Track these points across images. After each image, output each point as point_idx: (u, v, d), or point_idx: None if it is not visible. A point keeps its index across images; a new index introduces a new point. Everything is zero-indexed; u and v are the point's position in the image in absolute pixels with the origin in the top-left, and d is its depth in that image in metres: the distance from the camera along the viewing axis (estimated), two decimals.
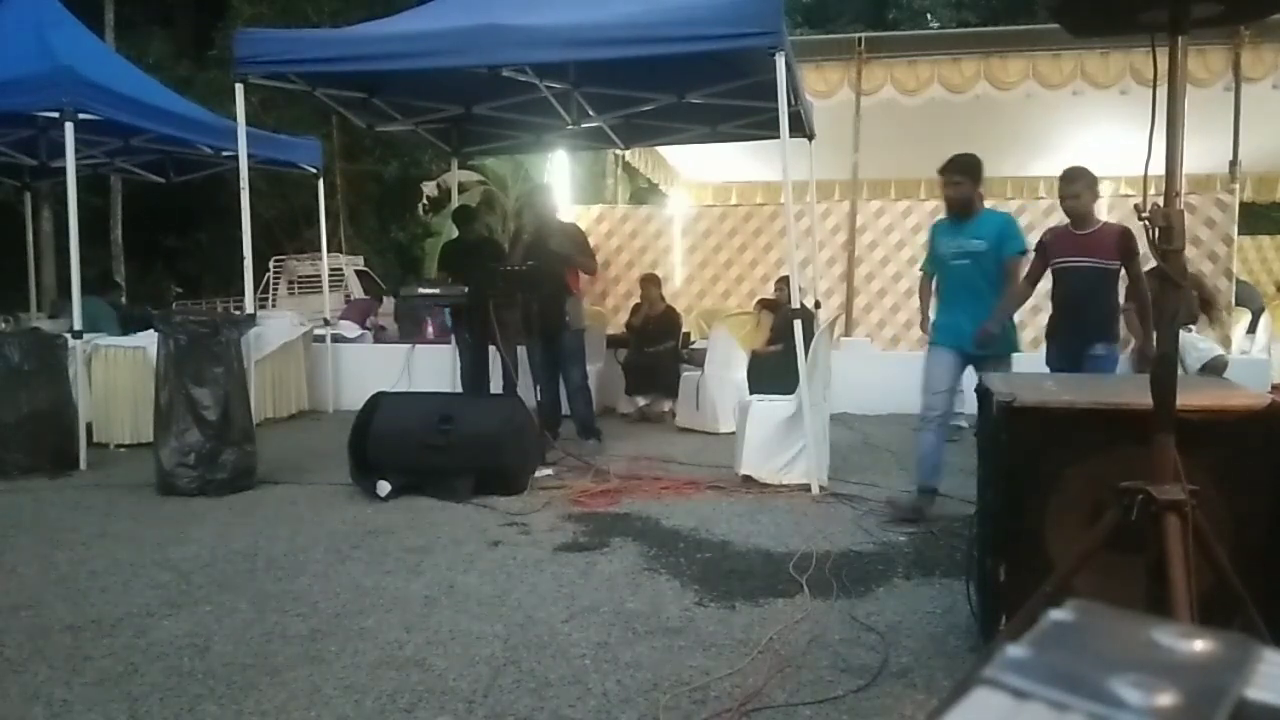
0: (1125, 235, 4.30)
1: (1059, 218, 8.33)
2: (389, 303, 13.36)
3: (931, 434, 4.37)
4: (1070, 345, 4.39)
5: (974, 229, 4.37)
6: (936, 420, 4.36)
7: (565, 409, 6.42)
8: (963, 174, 4.39)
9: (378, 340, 10.34)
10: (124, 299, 10.36)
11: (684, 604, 3.24)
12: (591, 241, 7.11)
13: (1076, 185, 4.39)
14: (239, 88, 6.05)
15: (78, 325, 5.84)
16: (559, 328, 6.14)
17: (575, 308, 6.32)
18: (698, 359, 7.54)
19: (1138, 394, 2.23)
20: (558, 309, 6.08)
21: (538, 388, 6.23)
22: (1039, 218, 8.28)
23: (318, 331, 8.53)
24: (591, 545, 3.96)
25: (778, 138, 5.27)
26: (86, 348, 6.21)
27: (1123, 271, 4.40)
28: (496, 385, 6.32)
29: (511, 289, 5.79)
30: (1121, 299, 4.62)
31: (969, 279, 4.37)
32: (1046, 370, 4.35)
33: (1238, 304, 8.58)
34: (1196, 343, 6.88)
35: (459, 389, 6.94)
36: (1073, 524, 2.39)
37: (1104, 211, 8.32)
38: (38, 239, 11.50)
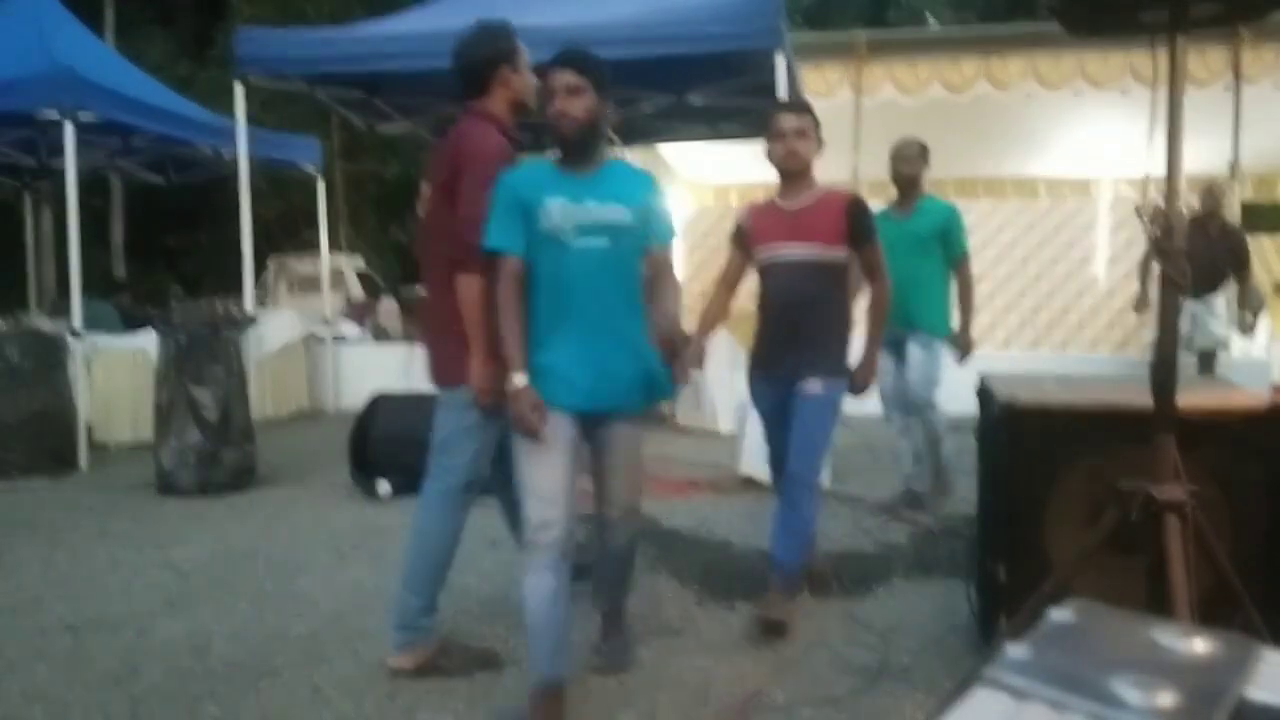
0: (854, 207, 3.05)
1: (1060, 218, 8.36)
2: (389, 303, 13.35)
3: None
4: (777, 379, 3.08)
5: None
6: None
7: None
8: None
9: (378, 340, 10.34)
10: (127, 299, 10.35)
11: (684, 604, 3.24)
12: None
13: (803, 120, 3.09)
14: (239, 87, 6.06)
15: (78, 325, 5.84)
16: None
17: None
18: None
19: (1138, 394, 2.22)
20: None
21: None
22: (1039, 217, 8.29)
23: (318, 331, 8.53)
24: (591, 545, 3.95)
25: None
26: (86, 348, 6.21)
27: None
28: None
29: None
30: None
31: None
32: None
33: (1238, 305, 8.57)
34: (1210, 324, 6.34)
35: None
36: (1073, 524, 2.39)
37: (1104, 211, 8.34)
38: (38, 239, 11.50)
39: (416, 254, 2.97)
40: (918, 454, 4.58)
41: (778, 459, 3.18)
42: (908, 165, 4.44)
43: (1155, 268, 6.31)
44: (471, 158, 2.54)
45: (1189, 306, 6.14)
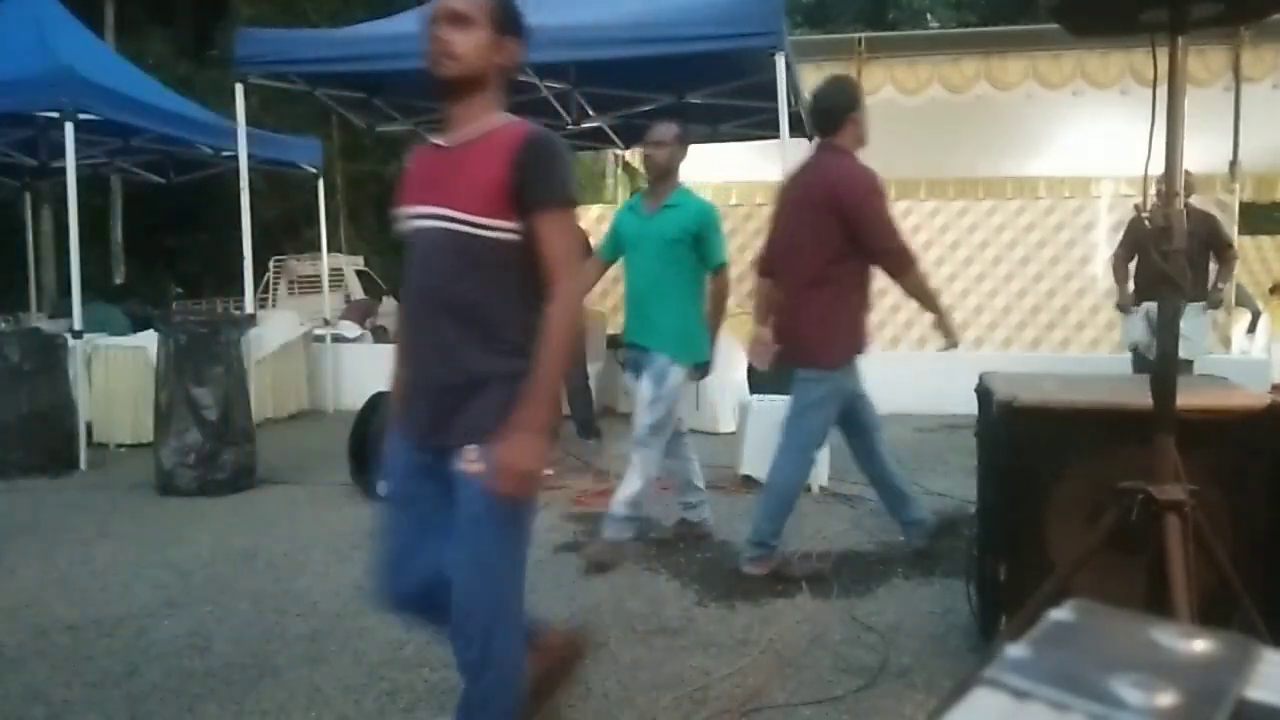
0: (529, 146, 1.82)
1: (1060, 218, 8.36)
2: (389, 303, 13.35)
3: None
4: (416, 400, 1.92)
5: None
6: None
7: (565, 409, 6.42)
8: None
9: (378, 340, 10.34)
10: (136, 305, 10.35)
11: (684, 604, 3.24)
12: (592, 242, 7.12)
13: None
14: (239, 88, 6.05)
15: (78, 325, 5.84)
16: None
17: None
18: None
19: (1138, 394, 2.22)
20: None
21: None
22: (1040, 217, 8.29)
23: (318, 331, 8.53)
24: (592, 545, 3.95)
25: (778, 138, 5.27)
26: (86, 348, 6.21)
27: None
28: None
29: None
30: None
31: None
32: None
33: (1237, 304, 8.58)
34: (1184, 330, 6.28)
35: None
36: (1073, 524, 2.39)
37: (1104, 212, 8.34)
38: (38, 239, 11.50)
39: (767, 268, 3.71)
40: (687, 482, 4.07)
41: (401, 587, 1.97)
42: (659, 150, 3.74)
43: (1131, 267, 6.02)
44: (867, 192, 3.41)
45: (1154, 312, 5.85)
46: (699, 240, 3.71)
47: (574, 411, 6.38)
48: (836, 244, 3.37)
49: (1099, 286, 7.89)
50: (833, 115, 3.52)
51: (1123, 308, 6.19)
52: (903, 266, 3.43)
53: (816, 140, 3.70)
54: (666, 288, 3.70)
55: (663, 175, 3.77)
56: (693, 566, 3.64)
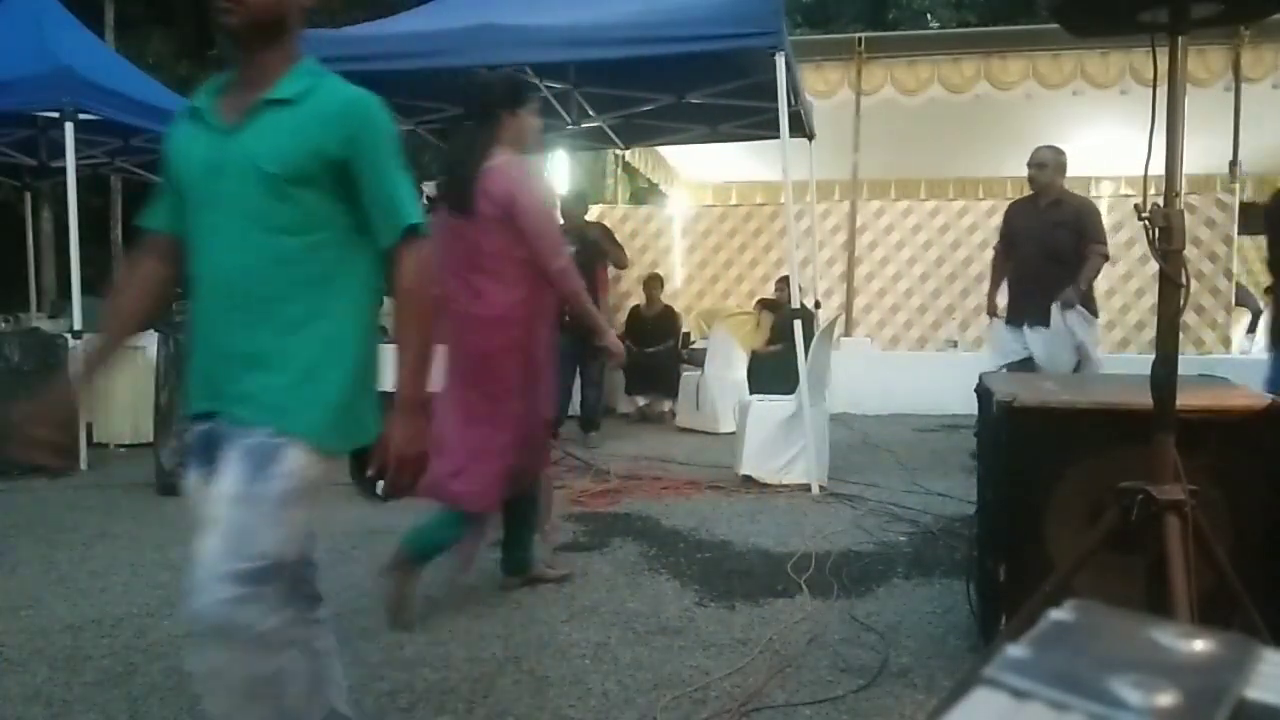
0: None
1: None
2: (389, 303, 13.35)
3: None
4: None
5: None
6: None
7: (568, 410, 6.43)
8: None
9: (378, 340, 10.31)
10: None
11: (684, 604, 3.24)
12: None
13: None
14: None
15: (78, 325, 5.84)
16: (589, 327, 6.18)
17: (605, 307, 6.37)
18: (698, 359, 7.55)
19: (1138, 394, 2.22)
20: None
21: None
22: None
23: None
24: (591, 545, 3.96)
25: (778, 138, 5.27)
26: (87, 347, 6.20)
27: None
28: None
29: None
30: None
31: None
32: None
33: (1237, 304, 8.58)
34: (1076, 330, 5.02)
35: None
36: (1073, 524, 2.39)
37: (1104, 212, 8.35)
38: (38, 239, 11.50)
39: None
40: None
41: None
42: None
43: (1006, 271, 5.34)
44: None
45: (1023, 330, 5.15)
46: (343, 173, 1.74)
47: (585, 400, 6.41)
48: None
49: (1098, 286, 7.91)
50: None
51: (991, 313, 5.50)
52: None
53: None
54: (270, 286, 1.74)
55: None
56: (693, 566, 3.64)
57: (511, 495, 3.18)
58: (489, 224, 2.96)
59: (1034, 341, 5.10)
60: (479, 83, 3.28)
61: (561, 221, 6.74)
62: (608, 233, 6.67)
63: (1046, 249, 5.05)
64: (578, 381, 6.53)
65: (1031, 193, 5.23)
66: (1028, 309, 5.11)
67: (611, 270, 7.39)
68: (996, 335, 5.46)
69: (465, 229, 2.99)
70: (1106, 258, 5.24)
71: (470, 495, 3.01)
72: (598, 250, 6.23)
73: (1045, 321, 5.04)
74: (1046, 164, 5.10)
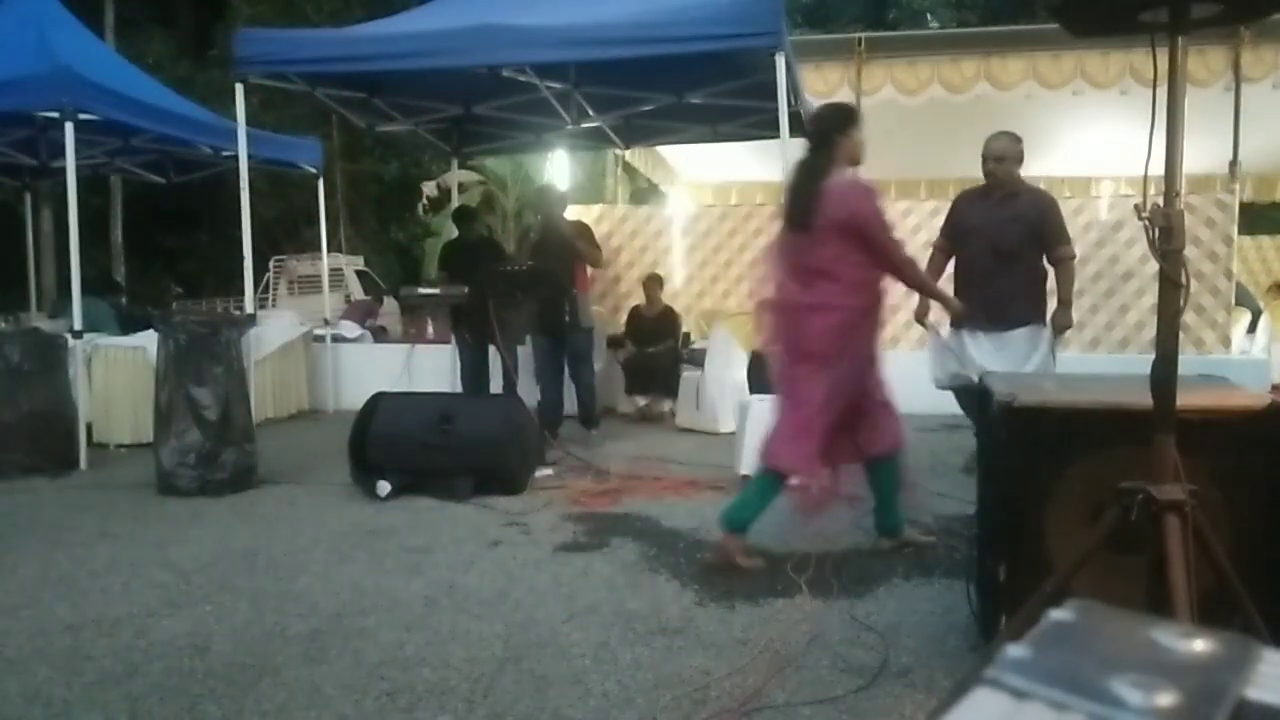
0: None
1: None
2: (389, 303, 13.38)
3: None
4: None
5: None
6: None
7: (565, 409, 6.42)
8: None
9: (378, 340, 10.34)
10: (124, 300, 10.36)
11: (684, 604, 3.24)
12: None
13: None
14: (239, 88, 6.06)
15: (78, 325, 5.84)
16: (569, 326, 6.17)
17: (584, 305, 6.35)
18: (698, 359, 7.54)
19: (1138, 394, 2.22)
20: (566, 307, 6.10)
21: (540, 386, 6.26)
22: None
23: (318, 331, 8.53)
24: (591, 545, 3.96)
25: (778, 138, 5.27)
26: (86, 348, 6.21)
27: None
28: (496, 385, 6.33)
29: (512, 289, 5.81)
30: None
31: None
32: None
33: (1237, 304, 8.58)
34: (1042, 349, 4.57)
35: (459, 389, 6.95)
36: (1073, 524, 2.39)
37: (1104, 211, 8.35)
38: (38, 239, 11.50)
39: None
40: None
41: None
42: None
43: (944, 271, 4.90)
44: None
45: (964, 339, 4.66)
46: None
47: (580, 400, 6.41)
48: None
49: (1099, 286, 7.89)
50: None
51: (920, 320, 4.79)
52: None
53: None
54: None
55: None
56: (693, 566, 3.64)
57: (849, 463, 3.71)
58: (827, 235, 3.41)
59: (980, 352, 4.58)
60: (814, 114, 3.80)
61: (539, 220, 6.77)
62: (585, 231, 6.65)
63: (997, 246, 4.50)
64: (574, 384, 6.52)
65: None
66: (973, 314, 4.46)
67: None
68: (933, 347, 4.87)
69: (802, 241, 3.48)
70: (1074, 257, 4.72)
71: (781, 457, 3.50)
72: (574, 249, 6.23)
73: (996, 328, 4.54)
74: (1006, 156, 4.49)
